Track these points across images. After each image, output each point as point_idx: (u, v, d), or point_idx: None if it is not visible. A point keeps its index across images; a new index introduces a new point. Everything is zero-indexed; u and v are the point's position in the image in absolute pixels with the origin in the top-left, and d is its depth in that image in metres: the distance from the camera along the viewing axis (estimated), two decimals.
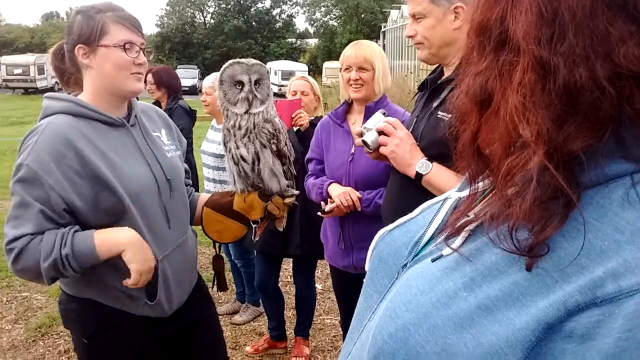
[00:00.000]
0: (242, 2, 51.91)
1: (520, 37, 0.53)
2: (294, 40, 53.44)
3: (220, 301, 4.10)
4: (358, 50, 2.36)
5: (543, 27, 0.52)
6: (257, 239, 1.80)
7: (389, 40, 31.99)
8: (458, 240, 0.63)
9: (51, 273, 1.46)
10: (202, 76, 34.23)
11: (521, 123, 0.53)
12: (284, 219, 1.85)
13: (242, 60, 1.67)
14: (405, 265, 0.71)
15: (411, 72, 15.94)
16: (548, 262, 0.52)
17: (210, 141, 3.58)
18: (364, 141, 1.75)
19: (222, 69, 1.68)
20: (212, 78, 3.56)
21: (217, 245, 2.02)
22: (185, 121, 4.15)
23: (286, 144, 1.71)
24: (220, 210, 1.81)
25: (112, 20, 1.52)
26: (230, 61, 1.68)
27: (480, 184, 0.68)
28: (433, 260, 0.64)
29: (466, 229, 0.63)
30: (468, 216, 0.65)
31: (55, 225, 1.47)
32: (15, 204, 1.46)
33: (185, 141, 1.90)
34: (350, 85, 2.38)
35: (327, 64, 31.93)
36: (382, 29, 36.70)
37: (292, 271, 3.55)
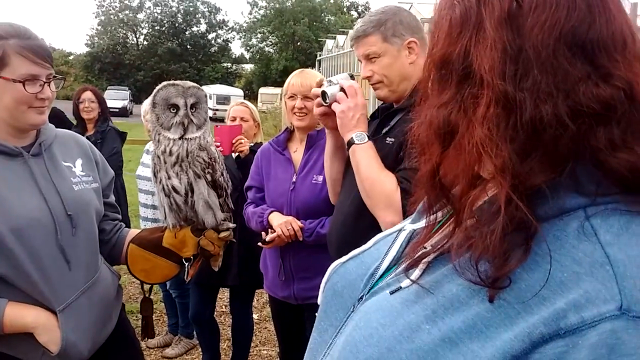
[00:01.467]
0: (176, 25, 51.49)
1: (486, 72, 0.54)
2: (229, 65, 53.44)
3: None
4: (304, 79, 2.35)
5: (507, 62, 0.54)
6: (189, 279, 1.65)
7: (325, 69, 32.60)
8: (416, 272, 0.63)
9: None
10: (133, 98, 33.51)
11: (487, 155, 0.54)
12: (220, 257, 1.71)
13: (178, 82, 1.57)
14: (362, 298, 0.70)
15: None
16: (509, 294, 0.53)
17: (146, 166, 3.44)
18: (323, 92, 1.71)
19: (155, 90, 1.57)
20: None
21: (144, 286, 1.84)
22: (118, 144, 4.00)
23: (222, 175, 1.60)
24: (148, 247, 1.63)
25: (14, 50, 1.37)
26: (165, 83, 1.58)
27: (435, 215, 0.69)
28: (392, 293, 0.64)
29: (424, 260, 0.63)
30: (425, 248, 0.65)
31: None
32: None
33: (111, 173, 1.75)
34: (295, 113, 2.36)
35: (262, 90, 32.14)
36: (318, 57, 37.41)
37: (227, 301, 3.44)
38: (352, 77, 1.77)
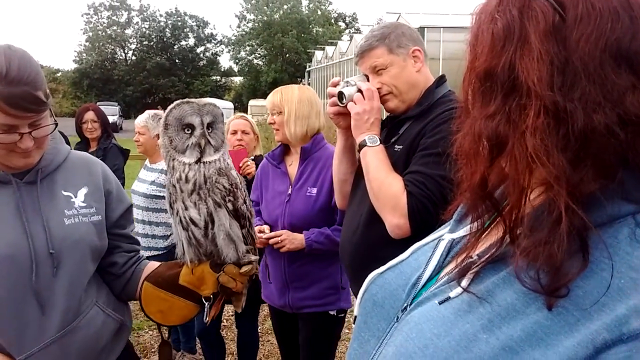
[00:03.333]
0: (165, 39, 51.55)
1: (535, 83, 0.55)
2: (218, 78, 53.53)
3: (152, 350, 3.88)
4: (273, 95, 2.46)
5: (555, 74, 0.55)
6: (209, 320, 1.49)
7: (314, 80, 32.76)
8: (464, 282, 0.63)
9: None
10: (123, 113, 33.47)
11: (541, 164, 0.55)
12: (244, 295, 1.53)
13: (192, 100, 1.43)
14: (405, 308, 0.70)
15: None
16: (567, 301, 0.54)
17: (141, 181, 3.46)
18: (340, 92, 1.72)
19: (167, 110, 1.41)
20: (145, 117, 3.50)
21: (162, 328, 1.68)
22: (120, 161, 4.04)
23: (245, 202, 1.45)
24: (164, 285, 1.47)
25: None
26: (178, 101, 1.44)
27: (478, 224, 0.69)
28: (440, 303, 0.64)
29: (472, 269, 0.64)
30: (471, 257, 0.66)
31: None
32: None
33: (128, 201, 1.59)
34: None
35: (252, 102, 32.11)
36: (307, 69, 37.59)
37: (227, 315, 3.40)
38: (367, 78, 1.78)
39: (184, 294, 1.45)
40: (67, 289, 1.34)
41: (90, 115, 4.15)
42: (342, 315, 2.45)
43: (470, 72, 0.64)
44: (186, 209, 1.36)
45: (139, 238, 3.32)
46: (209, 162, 1.37)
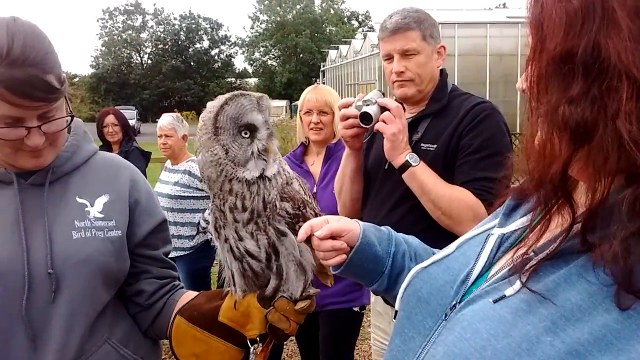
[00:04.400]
0: (179, 42, 51.90)
1: (628, 64, 0.51)
2: (233, 79, 53.79)
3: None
4: (318, 94, 2.44)
5: None
6: None
7: (329, 79, 32.73)
8: (518, 282, 0.60)
9: None
10: (140, 117, 33.81)
11: None
12: (293, 331, 1.18)
13: (246, 92, 1.09)
14: (455, 306, 0.67)
15: None
16: (638, 304, 0.51)
17: (163, 182, 3.49)
18: (366, 113, 1.60)
19: (214, 107, 1.05)
20: (170, 118, 3.50)
21: None
22: (142, 164, 4.05)
23: (317, 216, 1.14)
24: (201, 321, 1.15)
25: None
26: (229, 95, 1.07)
27: (523, 219, 0.67)
28: (495, 301, 0.61)
29: (529, 266, 0.60)
30: (528, 254, 0.62)
31: None
32: None
33: (160, 216, 1.31)
34: (311, 128, 2.43)
35: None
36: (322, 68, 37.58)
37: None
38: (383, 94, 1.71)
39: (224, 333, 1.13)
40: (66, 320, 1.07)
41: (110, 119, 4.22)
42: (363, 311, 2.45)
43: (539, 55, 0.59)
44: (240, 239, 1.05)
45: None
46: (269, 178, 1.05)
